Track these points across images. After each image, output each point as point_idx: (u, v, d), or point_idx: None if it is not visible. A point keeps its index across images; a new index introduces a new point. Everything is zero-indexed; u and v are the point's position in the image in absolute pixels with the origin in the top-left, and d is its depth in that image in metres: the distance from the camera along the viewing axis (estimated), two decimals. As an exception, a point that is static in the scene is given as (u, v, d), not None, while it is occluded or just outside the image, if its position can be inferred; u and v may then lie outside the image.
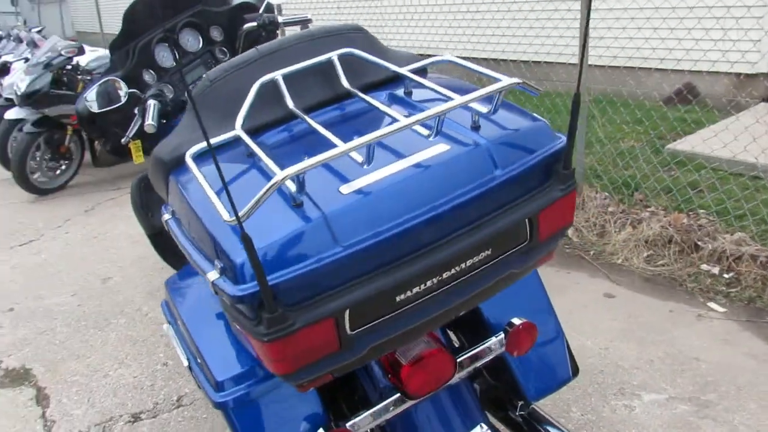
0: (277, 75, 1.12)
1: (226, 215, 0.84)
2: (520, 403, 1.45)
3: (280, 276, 0.84)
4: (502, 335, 1.31)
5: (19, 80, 4.39)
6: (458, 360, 1.24)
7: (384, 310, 0.93)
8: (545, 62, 5.34)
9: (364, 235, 0.88)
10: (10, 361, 2.57)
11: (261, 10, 2.27)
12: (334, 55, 1.17)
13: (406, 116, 0.99)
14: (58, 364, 2.51)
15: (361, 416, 1.19)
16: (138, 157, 2.06)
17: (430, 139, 0.97)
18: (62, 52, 4.36)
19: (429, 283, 0.94)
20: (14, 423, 2.18)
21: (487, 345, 1.30)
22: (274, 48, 1.21)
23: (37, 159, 4.58)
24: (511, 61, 5.24)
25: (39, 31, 5.87)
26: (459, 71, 1.57)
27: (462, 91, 1.03)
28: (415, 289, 0.94)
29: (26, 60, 4.80)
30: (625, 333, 2.38)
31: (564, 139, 1.03)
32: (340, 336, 0.90)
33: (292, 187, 0.88)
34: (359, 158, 0.91)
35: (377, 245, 0.88)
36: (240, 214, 0.78)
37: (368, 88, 1.20)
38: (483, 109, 1.01)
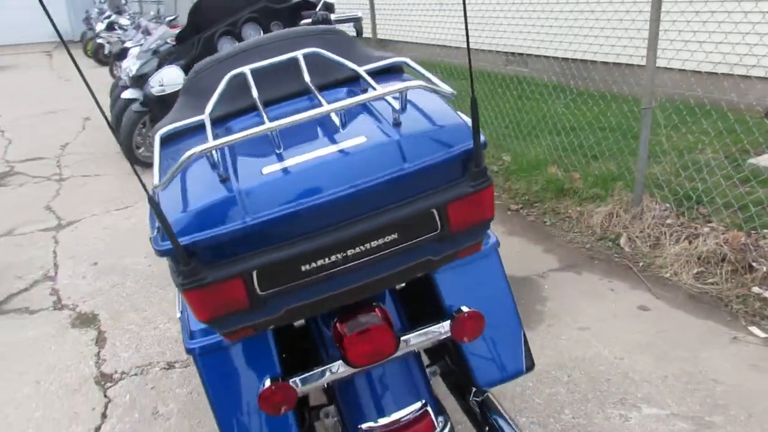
0: (246, 69, 1.27)
1: (156, 181, 1.00)
2: (474, 389, 1.51)
3: (193, 237, 0.98)
4: (448, 321, 1.38)
5: (131, 64, 4.92)
6: (402, 338, 1.32)
7: (290, 278, 1.04)
8: (638, 66, 5.12)
9: (270, 209, 1.00)
10: (84, 307, 2.96)
11: (318, 8, 2.44)
12: (299, 53, 1.30)
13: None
14: (121, 313, 2.86)
15: (304, 375, 1.31)
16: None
17: (341, 130, 1.08)
18: (168, 41, 4.82)
19: (333, 258, 1.04)
20: (73, 357, 2.53)
21: (431, 328, 1.38)
22: (254, 44, 1.36)
23: (142, 135, 5.11)
24: (601, 63, 5.08)
25: (173, 19, 6.45)
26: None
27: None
28: (320, 262, 1.04)
29: (140, 46, 5.36)
30: (647, 346, 2.31)
31: (482, 138, 1.10)
32: (249, 295, 1.03)
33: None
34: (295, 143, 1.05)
35: (281, 219, 1.01)
36: (157, 183, 0.94)
37: (330, 86, 1.32)
38: (396, 105, 1.10)
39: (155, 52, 4.84)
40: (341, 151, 1.07)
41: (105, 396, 2.25)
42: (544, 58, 6.50)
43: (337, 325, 1.35)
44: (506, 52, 7.20)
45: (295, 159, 1.06)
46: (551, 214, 3.61)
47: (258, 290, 1.04)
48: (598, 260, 3.04)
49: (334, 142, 1.09)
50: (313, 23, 2.30)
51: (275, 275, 1.04)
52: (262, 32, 2.36)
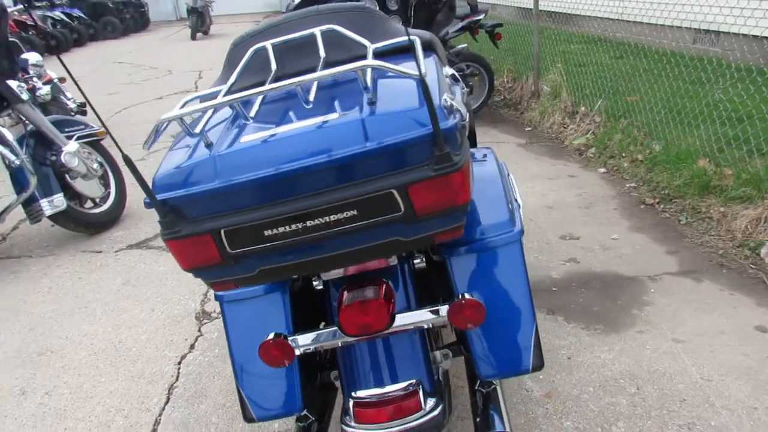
0: (268, 44, 1.35)
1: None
2: (479, 380, 1.48)
3: (169, 194, 1.11)
4: (446, 306, 1.36)
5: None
6: (397, 316, 1.34)
7: (255, 240, 1.12)
8: None
9: (237, 176, 1.09)
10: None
11: None
12: (317, 30, 1.34)
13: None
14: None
15: (303, 335, 1.41)
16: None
17: (324, 107, 1.12)
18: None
19: (293, 227, 1.10)
20: (185, 293, 2.91)
21: (428, 311, 1.38)
22: (284, 20, 1.44)
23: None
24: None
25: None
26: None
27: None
28: (281, 229, 1.11)
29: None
30: (747, 372, 2.01)
31: (449, 122, 1.08)
32: (221, 251, 1.13)
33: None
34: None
35: (246, 185, 1.08)
36: (144, 143, 1.07)
37: (343, 63, 1.35)
38: (369, 83, 1.11)
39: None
40: (314, 126, 1.12)
41: (198, 331, 2.57)
42: (742, 36, 5.67)
43: (342, 293, 1.42)
44: (695, 29, 6.40)
45: (273, 131, 1.13)
46: (689, 212, 3.23)
47: (228, 248, 1.13)
48: (727, 269, 2.68)
49: (313, 117, 1.14)
50: (429, 3, 2.33)
51: (241, 237, 1.12)
52: (377, 7, 2.45)
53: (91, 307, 2.85)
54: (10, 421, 2.15)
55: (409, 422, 1.36)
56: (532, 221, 3.31)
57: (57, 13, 14.04)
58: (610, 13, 7.31)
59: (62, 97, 4.90)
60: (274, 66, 1.35)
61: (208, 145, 1.15)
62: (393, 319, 1.35)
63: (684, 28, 6.45)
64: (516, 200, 1.62)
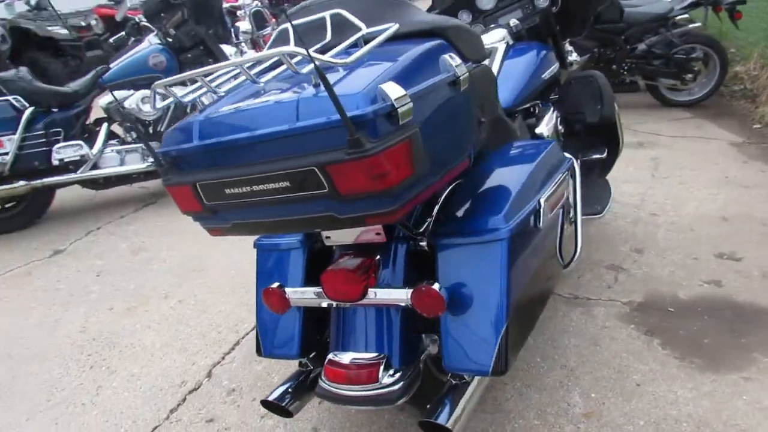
0: (289, 25, 1.44)
1: None
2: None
3: (163, 148, 1.32)
4: (411, 290, 1.38)
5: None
6: (370, 290, 1.41)
7: (220, 196, 1.28)
8: None
9: (202, 140, 1.26)
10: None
11: None
12: (326, 13, 1.40)
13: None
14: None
15: (295, 289, 1.55)
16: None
17: (293, 87, 1.22)
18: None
19: (245, 190, 1.24)
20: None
21: (395, 291, 1.40)
22: (309, 3, 1.53)
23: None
24: None
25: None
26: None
27: (388, 56, 1.23)
28: (236, 190, 1.25)
29: None
30: None
31: (364, 110, 1.10)
32: (200, 202, 1.32)
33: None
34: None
35: (207, 147, 1.26)
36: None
37: (348, 46, 1.38)
38: (304, 72, 1.18)
39: None
40: (272, 102, 1.23)
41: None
42: None
43: (335, 259, 1.53)
44: None
45: (237, 105, 1.28)
46: None
47: (204, 200, 1.31)
48: None
49: (273, 94, 1.26)
50: None
51: (210, 192, 1.30)
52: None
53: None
54: (146, 317, 2.70)
55: (360, 390, 1.43)
56: (693, 231, 2.87)
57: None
58: None
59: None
60: (291, 44, 1.46)
61: (200, 111, 1.33)
62: (365, 293, 1.41)
63: None
64: (540, 201, 1.52)
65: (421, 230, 1.50)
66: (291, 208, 1.23)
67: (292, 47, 1.14)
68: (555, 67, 2.47)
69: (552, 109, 2.45)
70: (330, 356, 1.51)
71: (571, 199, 1.81)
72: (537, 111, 2.43)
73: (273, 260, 1.71)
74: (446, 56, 1.36)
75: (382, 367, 1.43)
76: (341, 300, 1.46)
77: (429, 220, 1.52)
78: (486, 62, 1.65)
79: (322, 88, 1.11)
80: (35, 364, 2.46)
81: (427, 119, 1.24)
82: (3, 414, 2.17)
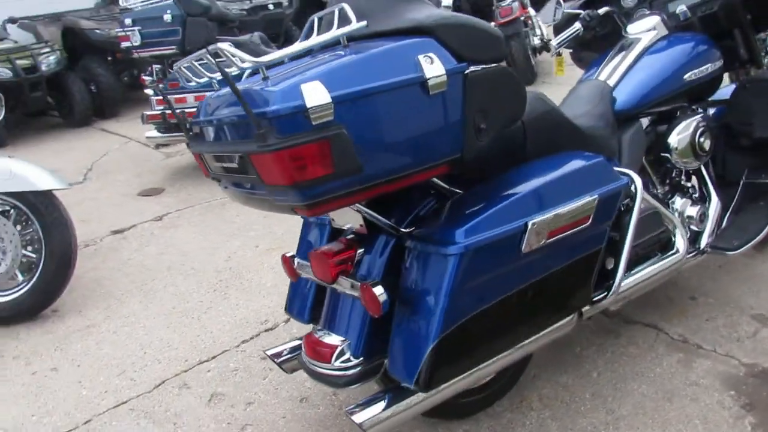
0: (315, 17, 1.44)
1: None
2: None
3: (188, 122, 1.48)
4: (359, 284, 1.39)
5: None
6: (341, 277, 1.47)
7: (213, 167, 1.43)
8: None
9: (200, 117, 1.41)
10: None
11: None
12: (335, 7, 1.39)
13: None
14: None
15: (300, 260, 1.69)
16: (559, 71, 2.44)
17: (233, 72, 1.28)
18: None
19: (220, 164, 1.37)
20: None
21: (355, 282, 1.44)
22: None
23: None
24: None
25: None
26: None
27: (351, 53, 1.25)
28: (216, 165, 1.39)
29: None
30: None
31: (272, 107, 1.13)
32: (207, 168, 1.48)
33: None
34: None
35: (198, 124, 1.41)
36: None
37: (349, 39, 1.35)
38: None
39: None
40: (227, 91, 1.32)
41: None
42: None
43: (329, 239, 1.62)
44: None
45: (220, 89, 1.39)
46: None
47: (208, 168, 1.47)
48: None
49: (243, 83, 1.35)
50: None
51: (207, 162, 1.45)
52: None
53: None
54: (277, 259, 3.02)
55: (316, 366, 1.51)
56: None
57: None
58: None
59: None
60: (315, 35, 1.47)
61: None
62: (337, 277, 1.45)
63: None
64: (528, 223, 1.40)
65: (408, 229, 1.46)
66: (253, 189, 1.32)
67: (221, 45, 1.22)
68: (712, 66, 2.04)
69: (699, 116, 2.03)
70: (311, 329, 1.59)
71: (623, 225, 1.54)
72: (678, 116, 2.05)
73: (307, 231, 1.81)
74: (422, 56, 1.24)
75: (337, 351, 1.46)
76: (319, 279, 1.52)
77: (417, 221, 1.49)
78: (502, 63, 1.45)
79: (263, 83, 1.17)
80: (182, 277, 2.98)
81: (370, 121, 1.18)
82: (140, 311, 2.70)
